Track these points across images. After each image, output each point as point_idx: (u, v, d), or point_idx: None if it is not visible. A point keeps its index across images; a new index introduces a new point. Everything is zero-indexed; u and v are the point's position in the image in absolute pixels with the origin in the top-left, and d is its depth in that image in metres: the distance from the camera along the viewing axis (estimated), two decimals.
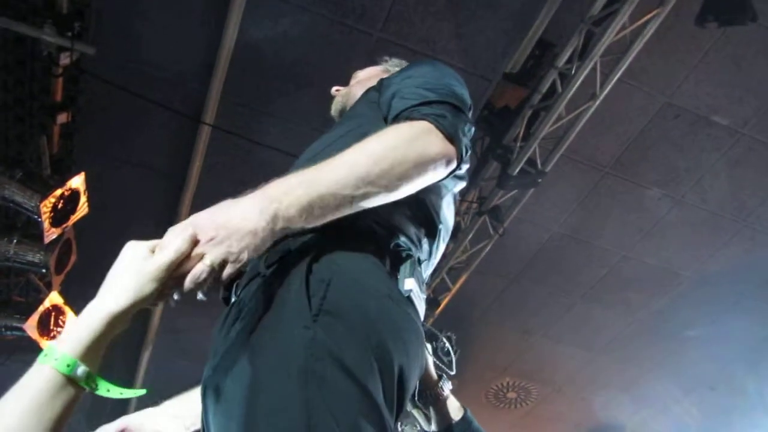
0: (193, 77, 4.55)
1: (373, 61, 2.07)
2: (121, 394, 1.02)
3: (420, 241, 1.41)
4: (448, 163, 1.32)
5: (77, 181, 4.01)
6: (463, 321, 6.26)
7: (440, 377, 1.68)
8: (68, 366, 0.95)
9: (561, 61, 4.38)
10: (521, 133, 4.67)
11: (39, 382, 0.94)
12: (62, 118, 4.02)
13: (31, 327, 4.28)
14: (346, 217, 1.27)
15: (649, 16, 4.10)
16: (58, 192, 3.89)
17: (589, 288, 6.19)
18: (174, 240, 1.07)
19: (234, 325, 1.20)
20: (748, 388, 7.13)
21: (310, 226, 1.16)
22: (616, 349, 6.78)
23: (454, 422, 1.63)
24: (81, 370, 0.96)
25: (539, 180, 4.80)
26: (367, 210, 1.28)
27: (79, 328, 0.99)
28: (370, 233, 1.30)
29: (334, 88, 1.94)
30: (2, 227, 4.25)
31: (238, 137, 4.63)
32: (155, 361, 6.48)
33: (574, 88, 4.34)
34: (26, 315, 4.35)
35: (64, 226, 4.02)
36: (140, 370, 6.67)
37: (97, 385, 0.99)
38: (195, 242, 1.07)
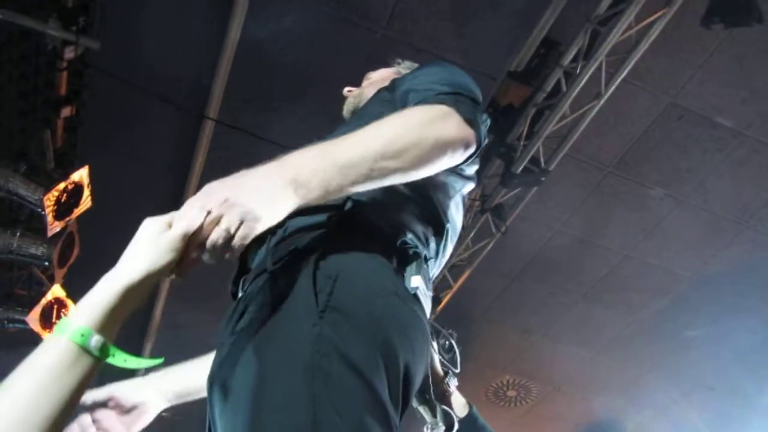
0: (197, 72, 4.55)
1: (385, 63, 2.08)
2: (139, 363, 1.02)
3: (427, 240, 1.41)
4: (467, 146, 1.31)
5: (81, 175, 4.02)
6: (464, 319, 6.27)
7: (446, 374, 1.68)
8: (82, 336, 0.94)
9: (566, 60, 4.37)
10: (525, 132, 4.67)
11: (53, 352, 0.93)
12: (66, 111, 4.02)
13: (33, 320, 4.29)
14: (354, 213, 1.28)
15: (655, 16, 4.09)
16: (62, 185, 3.89)
17: (590, 287, 6.19)
18: (188, 210, 1.07)
19: (240, 320, 1.20)
20: (747, 389, 7.13)
21: (327, 199, 1.14)
22: (617, 348, 6.78)
23: (460, 418, 1.64)
24: (95, 340, 0.95)
25: (542, 179, 4.80)
26: (374, 207, 1.30)
27: (94, 299, 0.99)
28: (378, 230, 1.30)
29: (345, 89, 1.94)
30: (6, 220, 4.25)
31: (240, 132, 4.64)
32: (157, 354, 6.49)
33: (579, 88, 4.33)
34: (29, 308, 4.36)
35: (67, 219, 4.03)
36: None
37: (113, 356, 0.98)
38: (209, 211, 1.06)
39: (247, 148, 4.81)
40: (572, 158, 5.01)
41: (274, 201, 1.08)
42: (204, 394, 1.52)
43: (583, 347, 6.80)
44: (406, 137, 1.21)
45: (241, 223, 1.05)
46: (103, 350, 0.96)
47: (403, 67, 1.98)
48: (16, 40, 3.94)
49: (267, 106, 4.73)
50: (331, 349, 1.06)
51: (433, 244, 1.43)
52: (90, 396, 1.48)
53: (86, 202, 4.02)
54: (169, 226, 1.07)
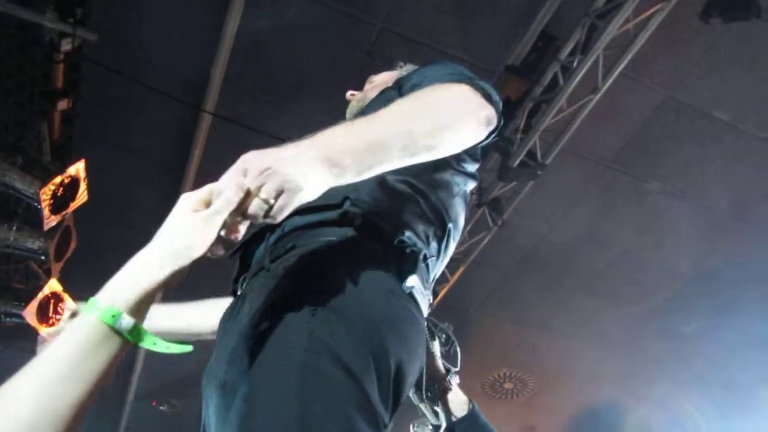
0: (195, 65, 4.54)
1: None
2: (168, 348, 0.99)
3: (428, 238, 1.41)
4: (489, 122, 1.32)
5: (77, 168, 4.01)
6: (461, 312, 6.28)
7: (448, 372, 1.68)
8: (113, 317, 0.92)
9: (563, 54, 4.37)
10: (522, 126, 4.67)
11: (83, 332, 0.91)
12: (63, 104, 4.01)
13: (30, 314, 4.28)
14: (352, 212, 1.28)
15: (653, 10, 4.09)
16: (58, 179, 3.88)
17: (586, 281, 6.20)
18: (227, 186, 1.02)
19: (237, 318, 1.21)
20: (743, 383, 7.16)
21: (359, 177, 1.12)
22: (613, 342, 6.80)
23: (461, 416, 1.64)
24: (126, 321, 0.92)
25: (539, 172, 4.80)
26: (373, 205, 1.30)
27: (127, 279, 0.96)
28: (375, 229, 1.30)
29: (349, 93, 1.93)
30: (2, 214, 4.24)
31: (238, 126, 4.63)
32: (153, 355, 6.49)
33: (576, 81, 4.33)
34: (25, 302, 4.35)
35: (64, 213, 4.01)
36: (139, 356, 6.69)
37: (143, 338, 0.96)
38: (247, 188, 1.02)
39: (245, 141, 4.79)
40: (569, 152, 5.01)
41: (313, 175, 1.04)
42: (186, 339, 1.55)
43: (579, 340, 6.82)
44: (433, 114, 1.22)
45: (281, 192, 1.02)
46: (134, 332, 0.94)
47: (406, 70, 1.97)
48: (13, 31, 3.92)
49: (265, 99, 4.73)
50: (323, 348, 1.06)
51: (434, 243, 1.43)
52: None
53: (82, 195, 4.00)
54: (207, 203, 1.03)
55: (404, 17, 4.31)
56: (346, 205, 1.30)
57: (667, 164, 5.24)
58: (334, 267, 1.19)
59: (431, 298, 1.42)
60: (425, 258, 1.37)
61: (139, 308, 0.95)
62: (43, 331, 4.12)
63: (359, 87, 1.98)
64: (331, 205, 1.29)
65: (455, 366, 1.68)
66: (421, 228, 1.39)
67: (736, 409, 7.50)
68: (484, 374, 7.36)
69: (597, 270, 6.09)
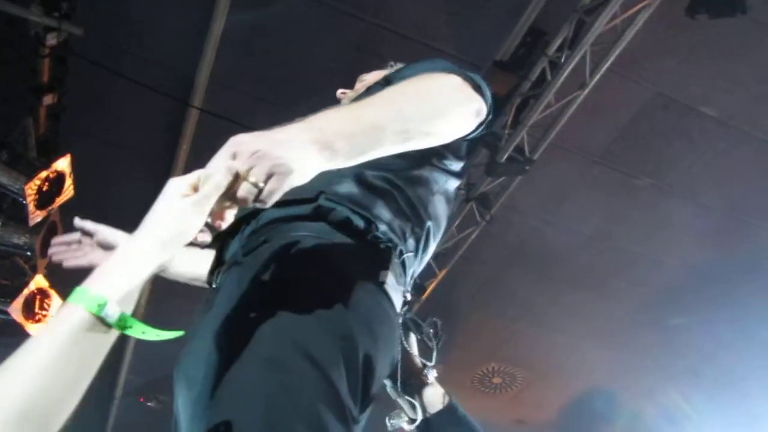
0: (182, 60, 4.52)
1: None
2: (158, 336, 0.97)
3: (405, 234, 1.40)
4: (478, 114, 1.32)
5: (63, 164, 3.99)
6: (450, 307, 6.29)
7: (424, 366, 1.69)
8: (99, 306, 0.89)
9: (551, 50, 4.38)
10: (510, 121, 4.68)
11: (69, 321, 0.88)
12: (49, 99, 3.98)
13: (15, 310, 4.26)
14: (326, 206, 1.27)
15: (640, 5, 4.10)
16: (44, 174, 3.86)
17: (575, 276, 6.23)
18: (215, 169, 0.99)
19: (210, 311, 1.20)
20: (732, 376, 7.23)
21: (351, 161, 1.10)
22: (601, 336, 6.84)
23: (439, 409, 1.65)
24: (112, 310, 0.90)
25: (527, 168, 4.81)
26: (347, 200, 1.29)
27: (113, 267, 0.94)
28: (349, 223, 1.29)
29: (339, 91, 1.92)
30: None
31: (226, 121, 4.61)
32: (142, 343, 6.46)
33: (564, 77, 4.34)
34: (11, 298, 4.32)
35: (50, 208, 3.99)
36: (127, 352, 6.67)
37: (131, 327, 0.93)
38: (236, 170, 0.99)
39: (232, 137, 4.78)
40: (558, 148, 5.03)
41: (304, 158, 1.01)
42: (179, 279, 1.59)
43: (567, 335, 6.86)
44: (427, 100, 1.22)
45: (271, 175, 0.98)
46: (121, 321, 0.92)
47: (396, 69, 1.97)
48: None
49: (253, 94, 4.71)
50: (290, 342, 1.06)
51: (411, 240, 1.42)
52: (83, 223, 1.46)
53: (68, 191, 3.98)
54: (195, 187, 1.00)
55: (393, 12, 4.30)
56: (321, 200, 1.30)
57: (655, 160, 5.27)
58: (306, 262, 1.18)
59: (409, 293, 1.42)
60: (401, 254, 1.37)
61: (127, 296, 0.93)
62: (30, 327, 4.09)
63: (348, 83, 1.97)
64: (305, 199, 1.29)
65: (430, 361, 1.69)
66: (397, 224, 1.38)
67: (727, 402, 7.57)
68: (473, 369, 7.39)
69: (586, 264, 6.12)
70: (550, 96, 4.45)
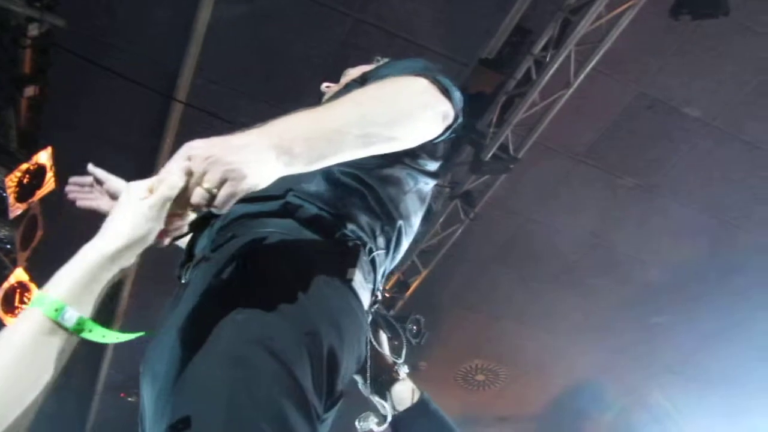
0: (166, 53, 4.48)
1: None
2: (118, 338, 0.98)
3: (374, 233, 1.40)
4: (445, 117, 1.31)
5: (44, 156, 3.94)
6: (434, 304, 6.30)
7: (395, 362, 1.71)
8: (56, 311, 0.90)
9: (537, 48, 4.39)
10: (495, 119, 4.69)
11: (27, 327, 0.89)
12: (30, 90, 3.94)
13: None
14: (294, 203, 1.27)
15: (625, 6, 4.13)
16: (24, 166, 3.82)
17: (558, 274, 6.27)
18: (168, 176, 1.00)
19: (177, 307, 1.20)
20: (710, 373, 7.31)
21: (312, 166, 1.09)
22: (584, 333, 6.88)
23: (411, 405, 1.66)
24: (70, 314, 0.91)
25: (511, 166, 4.83)
26: (316, 198, 1.29)
27: (71, 272, 0.94)
28: (316, 221, 1.30)
29: (324, 85, 1.91)
30: None
31: (210, 115, 4.58)
32: None
33: (548, 76, 4.36)
34: None
35: (30, 201, 3.95)
36: (108, 348, 6.62)
37: (90, 330, 0.94)
38: (191, 172, 1.00)
39: (217, 131, 4.74)
40: (542, 146, 5.05)
41: (259, 162, 1.00)
42: None
43: (550, 332, 6.89)
44: (390, 105, 1.21)
45: (225, 180, 0.98)
46: (79, 325, 0.92)
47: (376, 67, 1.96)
48: None
49: (237, 89, 4.68)
50: (254, 338, 1.06)
51: (382, 238, 1.42)
52: (94, 170, 1.49)
53: (49, 183, 3.94)
54: (152, 190, 1.00)
55: (379, 9, 4.30)
56: (289, 197, 1.30)
57: (638, 159, 5.31)
58: (272, 258, 1.18)
59: (379, 291, 1.43)
60: (370, 252, 1.37)
61: (86, 300, 0.94)
62: (8, 321, 4.05)
63: (333, 78, 1.96)
64: (274, 196, 1.28)
65: (399, 358, 1.71)
66: (366, 222, 1.38)
67: (706, 399, 7.65)
68: (457, 366, 7.41)
69: (569, 262, 6.15)
70: (535, 95, 4.47)
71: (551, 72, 4.34)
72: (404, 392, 1.67)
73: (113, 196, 1.49)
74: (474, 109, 4.74)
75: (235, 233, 1.25)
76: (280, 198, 1.29)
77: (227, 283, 1.15)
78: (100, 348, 6.62)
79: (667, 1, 4.05)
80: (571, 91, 4.48)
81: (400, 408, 1.66)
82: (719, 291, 6.36)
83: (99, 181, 1.48)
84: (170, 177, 0.99)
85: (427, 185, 1.57)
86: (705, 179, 5.43)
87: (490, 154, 4.73)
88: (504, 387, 7.70)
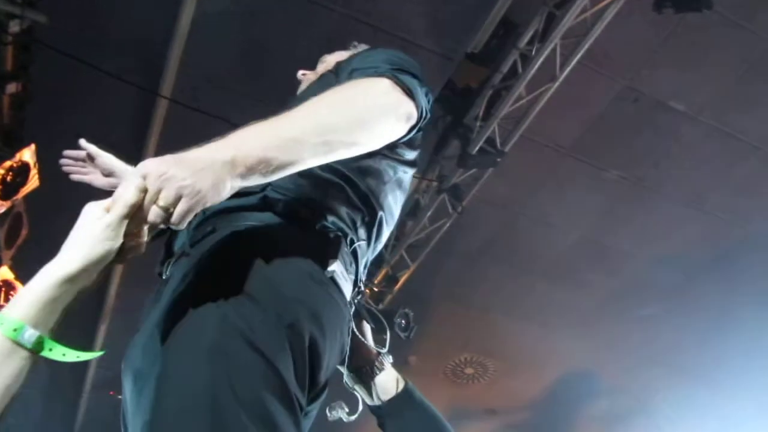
0: (151, 49, 4.45)
1: (343, 43, 2.04)
2: (78, 357, 0.98)
3: (355, 224, 1.41)
4: (408, 118, 1.31)
5: (27, 154, 3.91)
6: (422, 298, 6.32)
7: (379, 353, 1.72)
8: (15, 330, 0.91)
9: (522, 42, 4.40)
10: (482, 113, 4.69)
11: None
12: (12, 88, 3.90)
13: None
14: (273, 197, 1.28)
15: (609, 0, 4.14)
16: (8, 164, 3.79)
17: (546, 267, 6.29)
18: (122, 194, 1.00)
19: (158, 304, 1.20)
20: (697, 365, 7.37)
21: (270, 177, 1.10)
22: (572, 327, 6.92)
23: (395, 394, 1.68)
24: (29, 334, 0.92)
25: (498, 160, 4.84)
26: (294, 191, 1.29)
27: (30, 292, 0.95)
28: (296, 214, 1.30)
29: (300, 72, 1.91)
30: None
31: (196, 111, 4.55)
32: (111, 337, 6.40)
33: (534, 70, 4.37)
34: None
35: (14, 198, 3.92)
36: (96, 345, 6.58)
37: (50, 350, 0.95)
38: (145, 188, 1.00)
39: (203, 128, 4.73)
40: (529, 140, 5.06)
41: (214, 177, 1.01)
42: None
43: (539, 325, 6.93)
44: (347, 109, 1.20)
45: (179, 198, 0.99)
46: (39, 344, 0.93)
47: (358, 51, 1.96)
48: None
49: (223, 85, 4.65)
50: (235, 331, 1.06)
51: (363, 229, 1.43)
52: (87, 146, 1.50)
53: (33, 181, 3.91)
54: (107, 210, 1.01)
55: (365, 3, 4.28)
56: (268, 191, 1.30)
57: (624, 153, 5.34)
58: (251, 251, 1.18)
59: (362, 282, 1.44)
60: (351, 243, 1.38)
61: (45, 320, 0.95)
62: None
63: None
64: (252, 191, 1.29)
65: (383, 348, 1.72)
66: (346, 213, 1.38)
67: (689, 390, 7.72)
68: (446, 359, 7.43)
69: (556, 255, 6.18)
70: (521, 88, 4.48)
71: (537, 66, 4.35)
72: (388, 382, 1.69)
73: (105, 173, 1.50)
74: (461, 103, 4.75)
75: (214, 228, 1.26)
76: (258, 192, 1.30)
77: (206, 278, 1.15)
78: (88, 346, 6.58)
79: None
80: (557, 84, 4.49)
81: (385, 398, 1.67)
82: (707, 283, 6.41)
83: (91, 157, 1.49)
84: (125, 195, 0.99)
85: (406, 174, 1.58)
86: (691, 172, 5.47)
87: (477, 148, 4.74)
88: (493, 380, 7.73)
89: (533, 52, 4.34)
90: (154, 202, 0.99)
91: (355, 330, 1.65)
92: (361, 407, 1.66)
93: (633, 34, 4.50)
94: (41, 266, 0.99)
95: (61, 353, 0.97)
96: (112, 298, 6.15)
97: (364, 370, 1.68)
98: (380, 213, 1.47)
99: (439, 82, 4.72)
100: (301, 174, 1.30)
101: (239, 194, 1.22)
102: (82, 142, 1.51)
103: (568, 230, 5.95)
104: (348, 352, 1.38)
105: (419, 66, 1.53)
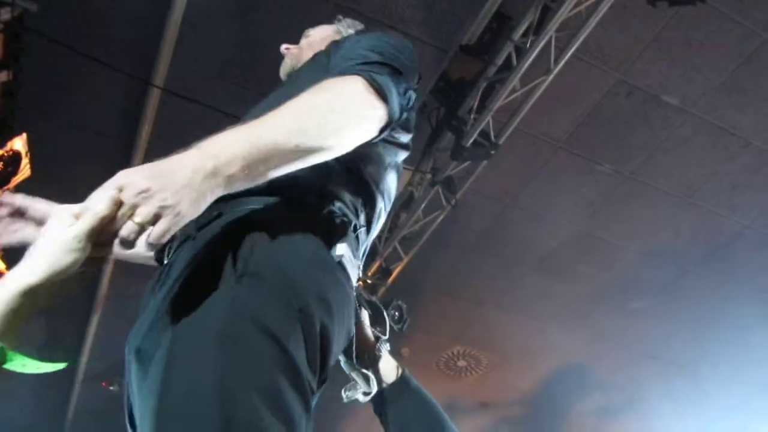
0: (144, 38, 4.41)
1: (326, 20, 2.04)
2: (38, 368, 0.98)
3: (357, 210, 1.42)
4: (380, 121, 1.31)
5: (19, 143, 3.88)
6: (416, 290, 6.33)
7: (378, 339, 1.73)
8: None
9: (517, 35, 4.39)
10: (476, 105, 4.69)
11: None
12: (3, 76, 3.87)
13: None
14: (280, 182, 1.26)
15: None
16: None
17: (539, 260, 6.31)
18: (95, 204, 0.97)
19: (162, 286, 1.20)
20: (687, 358, 7.42)
21: (252, 183, 1.11)
22: (564, 320, 6.95)
23: (392, 381, 1.69)
24: None
25: (492, 152, 4.84)
26: (302, 176, 1.29)
27: None
28: (304, 199, 1.31)
29: (283, 47, 1.91)
30: None
31: (189, 101, 4.53)
32: (104, 327, 6.39)
33: (529, 62, 4.36)
34: None
35: (5, 188, 3.89)
36: (88, 336, 6.57)
37: (11, 360, 0.94)
38: (120, 202, 0.97)
39: (196, 117, 4.70)
40: (523, 133, 5.06)
41: (195, 193, 1.00)
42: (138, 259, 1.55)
43: (531, 318, 6.95)
44: (324, 116, 1.20)
45: (158, 217, 0.97)
46: (1, 356, 0.92)
47: (344, 25, 1.96)
48: None
49: (216, 74, 4.63)
50: (246, 314, 1.06)
51: (363, 215, 1.44)
52: (16, 198, 1.37)
53: (25, 170, 3.88)
54: (77, 217, 0.97)
55: None
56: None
57: (617, 146, 5.34)
58: (261, 235, 1.18)
59: (359, 268, 1.44)
60: (355, 228, 1.38)
61: (6, 331, 0.92)
62: None
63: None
64: None
65: (384, 335, 1.73)
66: (349, 199, 1.40)
67: (680, 384, 7.77)
68: (438, 352, 7.45)
69: (549, 249, 6.20)
70: (516, 81, 4.47)
71: (532, 58, 4.34)
72: (386, 369, 1.70)
73: (41, 223, 1.42)
74: (455, 95, 4.74)
75: (222, 211, 1.25)
76: None
77: (216, 262, 1.14)
78: (80, 336, 6.57)
79: None
80: (551, 77, 4.48)
81: (382, 385, 1.69)
82: (700, 277, 6.45)
83: (20, 211, 1.38)
84: (97, 206, 0.96)
85: (401, 158, 1.60)
86: (683, 166, 5.48)
87: (471, 141, 4.73)
88: (486, 373, 7.76)
89: (528, 45, 4.32)
90: (129, 217, 0.97)
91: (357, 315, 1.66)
92: (375, 389, 1.68)
93: (627, 28, 4.50)
94: None
95: (21, 364, 0.97)
96: (105, 289, 6.13)
97: (362, 356, 1.69)
98: (379, 198, 1.49)
99: (434, 75, 4.71)
100: None
101: None
102: (7, 196, 1.42)
103: (560, 223, 5.96)
104: (352, 337, 1.39)
105: (410, 49, 1.53)
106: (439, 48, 4.59)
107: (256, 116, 1.36)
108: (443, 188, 5.15)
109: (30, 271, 0.94)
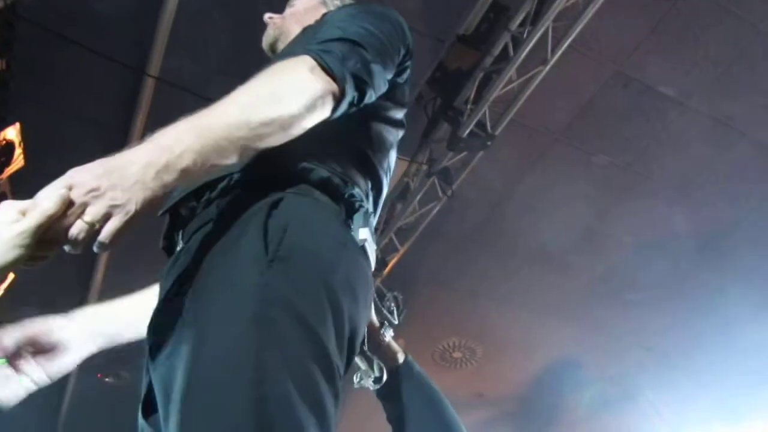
0: (138, 27, 4.38)
1: None
2: None
3: (367, 194, 1.42)
4: (332, 98, 1.26)
5: (12, 132, 3.85)
6: (411, 282, 6.33)
7: (382, 325, 1.74)
8: None
9: (514, 25, 4.38)
10: (472, 96, 4.67)
11: None
12: None
13: None
14: (303, 166, 1.26)
15: None
16: None
17: (535, 251, 6.31)
18: (43, 201, 0.94)
19: (183, 273, 1.17)
20: (681, 350, 7.44)
21: (208, 176, 1.10)
22: (559, 311, 6.96)
23: (396, 366, 1.70)
24: None
25: (488, 143, 4.83)
26: (323, 158, 1.29)
27: None
28: (327, 182, 1.30)
29: (266, 15, 1.88)
30: None
31: (184, 91, 4.50)
32: None
33: (525, 53, 4.35)
34: None
35: None
36: None
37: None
38: (69, 200, 0.94)
39: (190, 108, 4.67)
40: (519, 124, 5.05)
41: (147, 190, 0.98)
42: (138, 338, 1.50)
43: (527, 310, 6.96)
44: (268, 97, 1.17)
45: (108, 216, 0.95)
46: None
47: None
48: None
49: (211, 64, 4.60)
50: (278, 299, 1.05)
51: (371, 199, 1.45)
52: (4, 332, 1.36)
53: (18, 160, 3.86)
54: (23, 214, 0.94)
55: None
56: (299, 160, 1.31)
57: (613, 138, 5.34)
58: (287, 219, 1.17)
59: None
60: (367, 213, 1.38)
61: None
62: None
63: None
64: (282, 161, 1.28)
65: (395, 320, 1.74)
66: (362, 183, 1.40)
67: (673, 375, 7.80)
68: (434, 343, 7.46)
69: (545, 240, 6.19)
70: (512, 72, 4.45)
71: (528, 48, 4.32)
72: (390, 355, 1.72)
73: (41, 347, 1.43)
74: (452, 86, 4.72)
75: (245, 195, 1.23)
76: (289, 162, 1.29)
77: (243, 245, 1.13)
78: None
79: None
80: (548, 68, 4.47)
81: (386, 370, 1.70)
82: (695, 269, 6.46)
83: (11, 345, 1.39)
84: (45, 203, 0.93)
85: (399, 136, 1.60)
86: (678, 158, 5.48)
87: (467, 131, 4.72)
88: (481, 364, 7.77)
89: (525, 35, 4.31)
90: (79, 216, 0.95)
91: None
92: (381, 374, 1.69)
93: (624, 19, 4.49)
94: None
95: None
96: (99, 281, 6.11)
97: (368, 341, 1.70)
98: (384, 182, 1.50)
99: (430, 65, 4.69)
100: (327, 144, 1.31)
101: (267, 164, 1.22)
102: None
103: (556, 215, 5.96)
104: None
105: (394, 20, 1.53)
106: (436, 38, 4.57)
107: None
108: (439, 179, 5.15)
109: None
